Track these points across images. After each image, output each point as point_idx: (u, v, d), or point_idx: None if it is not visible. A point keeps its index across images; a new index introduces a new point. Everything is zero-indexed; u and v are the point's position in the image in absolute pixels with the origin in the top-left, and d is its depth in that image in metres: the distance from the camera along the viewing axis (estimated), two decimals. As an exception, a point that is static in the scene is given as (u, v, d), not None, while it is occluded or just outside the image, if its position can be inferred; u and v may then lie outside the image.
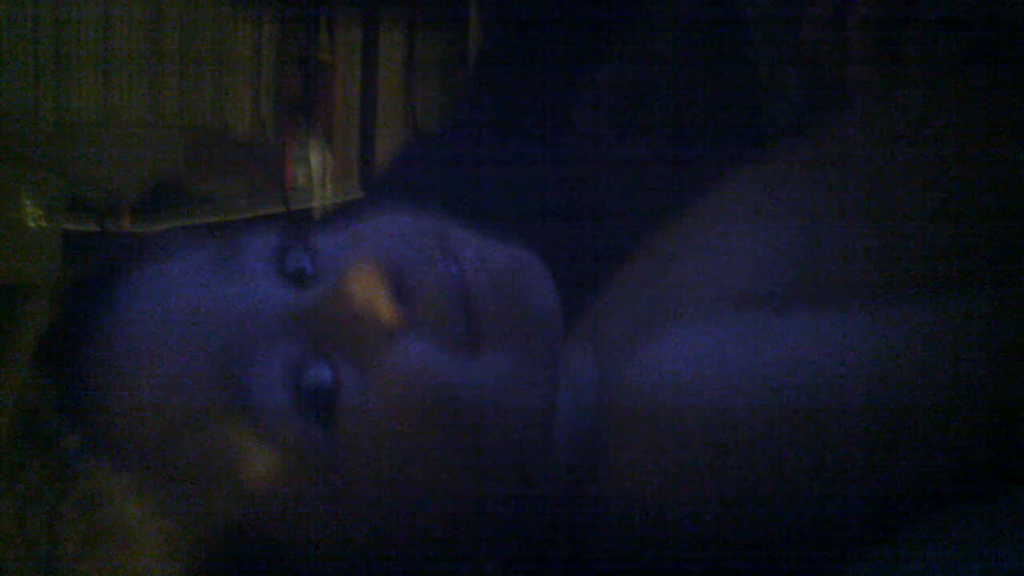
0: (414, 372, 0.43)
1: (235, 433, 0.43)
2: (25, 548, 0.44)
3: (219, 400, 0.43)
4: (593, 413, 0.48)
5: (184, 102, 2.00)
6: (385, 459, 0.43)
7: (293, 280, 0.46)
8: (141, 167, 2.03)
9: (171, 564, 0.43)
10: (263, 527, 0.43)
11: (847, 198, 0.54)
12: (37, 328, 0.46)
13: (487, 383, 0.44)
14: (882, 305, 0.47)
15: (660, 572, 0.46)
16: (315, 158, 1.95)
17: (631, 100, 0.82)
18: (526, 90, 0.85)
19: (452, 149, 0.89)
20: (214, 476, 0.43)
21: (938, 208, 0.50)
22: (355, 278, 0.44)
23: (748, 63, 0.79)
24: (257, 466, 0.43)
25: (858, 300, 0.48)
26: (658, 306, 0.52)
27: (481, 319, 0.45)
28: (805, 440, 0.43)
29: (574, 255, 0.61)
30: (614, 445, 0.47)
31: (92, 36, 2.00)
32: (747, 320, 0.49)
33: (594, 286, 0.58)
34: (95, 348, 0.45)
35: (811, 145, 0.59)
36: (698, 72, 0.81)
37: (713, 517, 0.45)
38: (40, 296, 0.48)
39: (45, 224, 1.93)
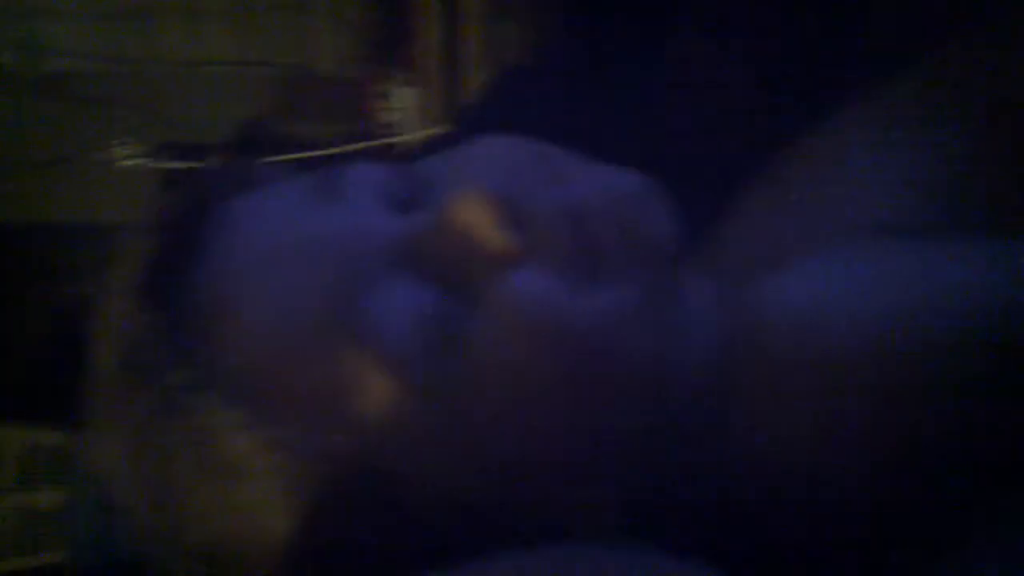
0: (529, 305, 0.41)
1: (353, 361, 0.41)
2: (136, 483, 0.44)
3: (337, 327, 0.41)
4: (718, 342, 0.46)
5: (269, 42, 2.00)
6: (503, 391, 0.42)
7: (400, 209, 0.44)
8: (229, 108, 2.04)
9: (284, 498, 0.42)
10: (377, 460, 0.42)
11: (972, 128, 0.50)
12: (138, 263, 0.45)
13: (606, 313, 0.42)
14: (1017, 234, 0.44)
15: (789, 512, 0.44)
16: (402, 95, 1.94)
17: (738, 23, 0.79)
18: (621, 9, 0.82)
19: (547, 80, 0.86)
20: (330, 406, 0.42)
21: None
22: (463, 206, 0.42)
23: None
24: (373, 395, 0.41)
25: (991, 229, 0.45)
26: (789, 234, 0.50)
27: (598, 246, 0.42)
28: (954, 369, 0.41)
29: (686, 183, 0.58)
30: (747, 374, 0.45)
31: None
32: (889, 248, 0.46)
33: (710, 214, 0.55)
34: (199, 281, 0.44)
35: (929, 76, 0.55)
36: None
37: (853, 452, 0.42)
38: (138, 231, 0.47)
39: (136, 163, 1.96)
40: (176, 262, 0.45)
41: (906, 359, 0.41)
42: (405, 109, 1.93)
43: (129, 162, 1.97)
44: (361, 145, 1.77)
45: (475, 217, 0.42)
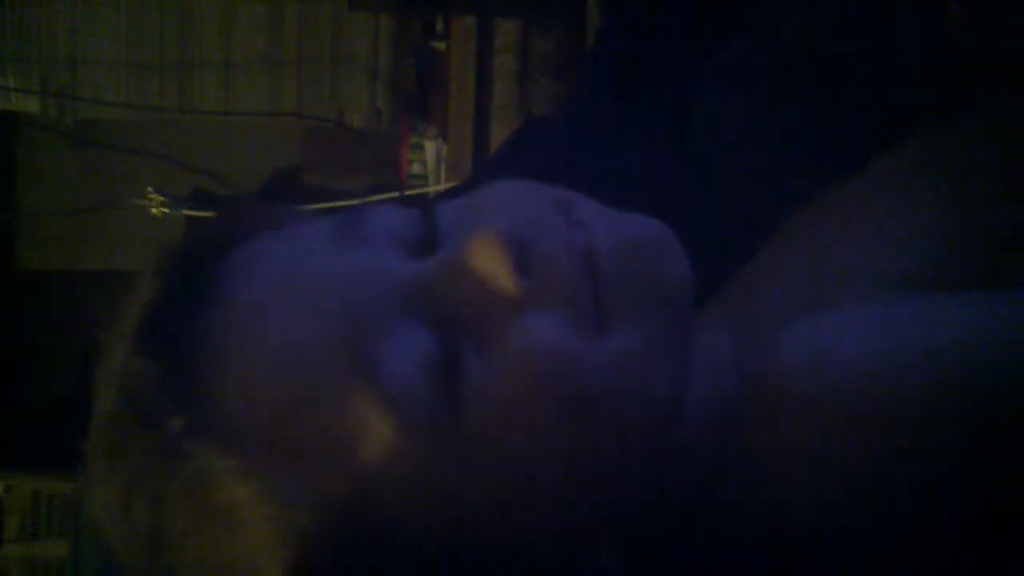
0: (538, 351, 0.40)
1: (357, 406, 0.40)
2: (130, 530, 0.43)
3: (343, 371, 0.40)
4: (730, 394, 0.44)
5: (302, 96, 2.02)
6: (508, 438, 0.40)
7: (415, 251, 0.43)
8: (261, 159, 2.06)
9: (282, 548, 0.41)
10: (378, 508, 0.41)
11: (995, 179, 0.49)
12: (139, 308, 0.45)
13: (616, 362, 0.40)
14: None
15: (794, 559, 0.42)
16: (431, 148, 1.94)
17: (765, 75, 0.78)
18: (649, 63, 0.82)
19: (570, 129, 0.86)
20: (330, 454, 0.40)
21: None
22: (475, 248, 0.41)
23: (892, 40, 0.74)
24: (377, 442, 0.40)
25: (1014, 280, 0.44)
26: (811, 285, 0.48)
27: (610, 293, 0.41)
28: (974, 420, 0.39)
29: (702, 233, 0.57)
30: (759, 428, 0.43)
31: (214, 35, 2.03)
32: (913, 300, 0.44)
33: (725, 264, 0.54)
34: (201, 326, 0.43)
35: (958, 127, 0.55)
36: (839, 44, 0.77)
37: (871, 506, 0.40)
38: (145, 275, 0.46)
39: (168, 211, 1.97)
40: (178, 305, 0.44)
41: (921, 411, 0.40)
42: (436, 162, 1.94)
43: (162, 210, 1.98)
44: (390, 196, 1.78)
45: (487, 259, 0.41)
